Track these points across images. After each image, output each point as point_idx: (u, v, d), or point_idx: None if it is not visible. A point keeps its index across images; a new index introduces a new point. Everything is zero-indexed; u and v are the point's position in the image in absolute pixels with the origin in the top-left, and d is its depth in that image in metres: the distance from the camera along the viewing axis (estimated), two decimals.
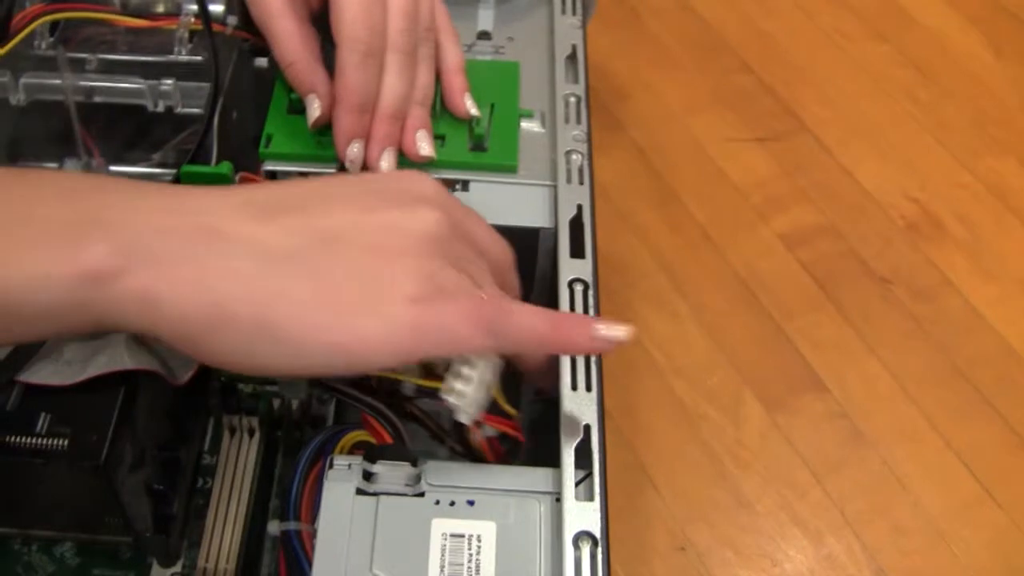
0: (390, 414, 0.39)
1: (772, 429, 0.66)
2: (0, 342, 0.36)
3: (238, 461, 0.46)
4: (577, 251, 0.43)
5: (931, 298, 0.73)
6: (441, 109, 0.46)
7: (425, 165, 0.45)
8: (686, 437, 0.65)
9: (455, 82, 0.46)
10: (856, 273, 0.74)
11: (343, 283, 0.33)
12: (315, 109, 0.43)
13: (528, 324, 0.35)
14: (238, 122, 0.49)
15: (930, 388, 0.68)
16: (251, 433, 0.47)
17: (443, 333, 0.34)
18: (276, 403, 0.47)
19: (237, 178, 0.46)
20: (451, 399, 0.35)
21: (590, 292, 0.41)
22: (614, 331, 0.36)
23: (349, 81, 0.42)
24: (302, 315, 0.32)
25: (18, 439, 0.36)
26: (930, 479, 0.64)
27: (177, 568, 0.44)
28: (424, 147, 0.44)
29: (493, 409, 0.39)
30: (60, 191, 0.33)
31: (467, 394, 0.35)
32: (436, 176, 0.46)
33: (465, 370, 0.35)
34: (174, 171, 0.44)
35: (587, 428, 0.38)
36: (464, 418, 0.36)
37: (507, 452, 0.41)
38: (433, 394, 0.38)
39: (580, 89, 0.48)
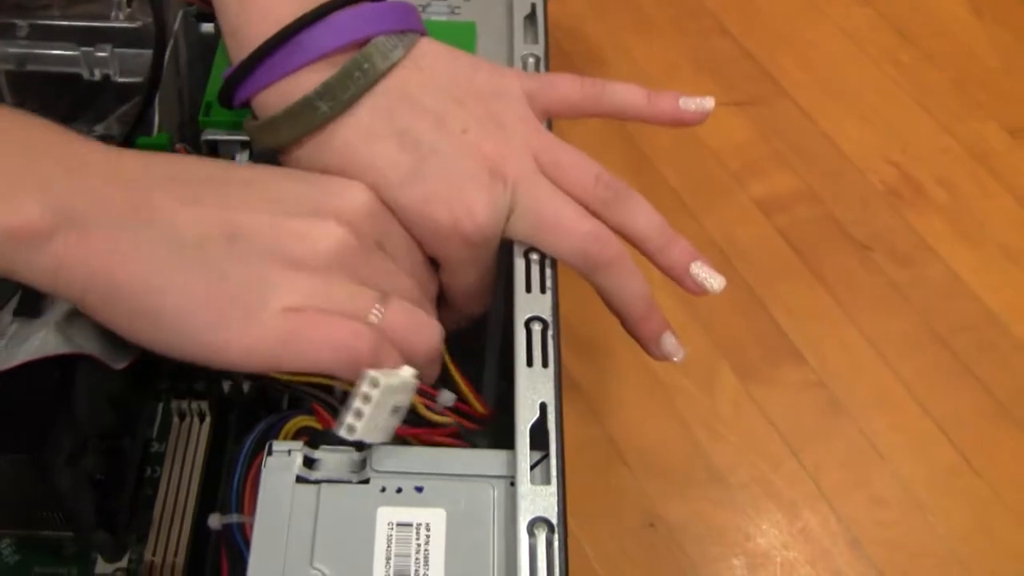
0: (336, 402, 0.38)
1: (747, 400, 0.65)
2: None
3: (188, 448, 0.44)
4: None
5: (911, 264, 0.71)
6: None
7: None
8: (658, 409, 0.64)
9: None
10: (835, 239, 0.73)
11: (231, 284, 0.34)
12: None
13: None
14: (183, 91, 0.47)
15: (909, 356, 0.67)
16: (202, 418, 0.45)
17: (302, 354, 0.34)
18: (227, 385, 0.46)
19: (177, 149, 0.44)
20: (342, 433, 0.34)
21: (547, 262, 0.40)
22: None
23: (624, 296, 0.41)
24: (186, 310, 0.34)
25: None
26: (908, 448, 0.63)
27: (123, 563, 0.42)
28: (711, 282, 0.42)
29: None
30: (11, 142, 0.33)
31: (357, 429, 0.33)
32: None
33: (358, 404, 0.34)
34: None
35: (543, 407, 0.36)
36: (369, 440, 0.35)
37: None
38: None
39: (539, 49, 0.47)
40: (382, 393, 0.33)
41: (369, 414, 0.33)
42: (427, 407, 0.37)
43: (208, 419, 0.45)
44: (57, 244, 0.32)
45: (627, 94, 0.43)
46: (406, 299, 0.37)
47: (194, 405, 0.45)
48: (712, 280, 0.41)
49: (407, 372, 0.34)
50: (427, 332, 0.37)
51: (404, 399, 0.35)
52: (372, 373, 0.33)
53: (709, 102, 0.43)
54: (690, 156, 0.77)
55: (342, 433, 0.33)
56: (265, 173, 0.38)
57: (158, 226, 0.34)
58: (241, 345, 0.34)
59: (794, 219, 0.74)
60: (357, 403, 0.33)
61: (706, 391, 0.65)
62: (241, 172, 0.38)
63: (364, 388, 0.33)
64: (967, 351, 0.67)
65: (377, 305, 0.35)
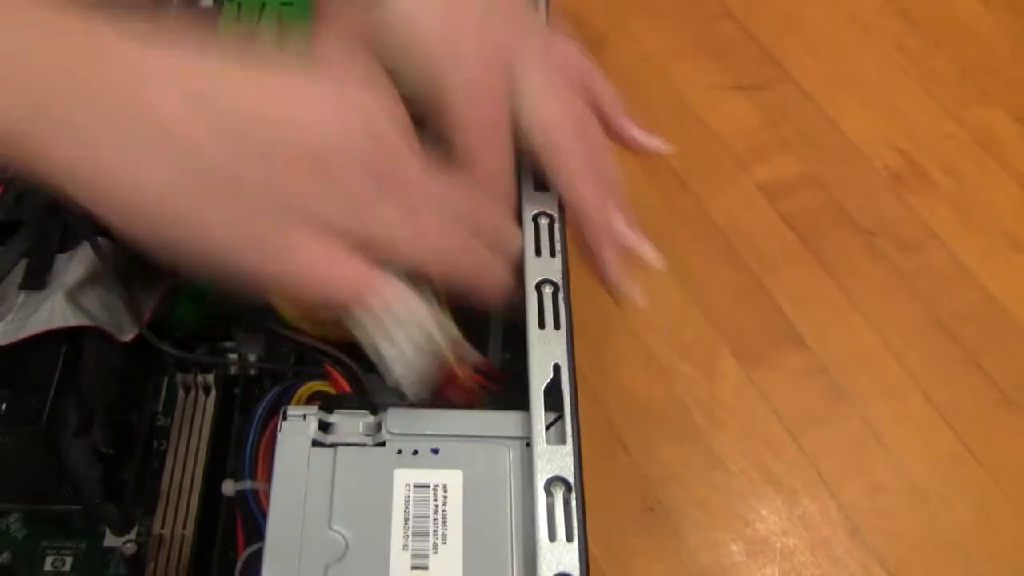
0: (351, 363, 0.37)
1: (748, 385, 0.64)
2: None
3: (194, 421, 0.44)
4: (539, 186, 0.43)
5: (916, 251, 0.71)
6: None
7: None
8: (658, 394, 0.63)
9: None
10: (839, 225, 0.72)
11: (261, 214, 0.32)
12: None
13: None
14: None
15: (913, 343, 0.67)
16: (207, 391, 0.44)
17: (279, 254, 0.32)
18: (233, 359, 0.45)
19: None
20: (394, 371, 0.33)
21: (556, 226, 0.40)
22: None
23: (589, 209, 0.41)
24: (215, 242, 0.32)
25: None
26: (911, 437, 0.63)
27: (132, 536, 0.42)
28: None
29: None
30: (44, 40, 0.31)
31: (395, 364, 0.32)
32: None
33: (395, 334, 0.32)
34: None
35: (556, 368, 0.36)
36: (410, 394, 0.34)
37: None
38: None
39: None
40: (392, 322, 0.32)
41: (398, 349, 0.32)
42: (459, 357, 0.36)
43: (213, 392, 0.44)
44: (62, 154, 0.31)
45: None
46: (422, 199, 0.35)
47: (199, 378, 0.44)
48: None
49: (414, 301, 0.33)
50: (419, 240, 0.34)
51: (424, 331, 0.33)
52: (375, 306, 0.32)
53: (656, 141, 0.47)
54: (693, 139, 0.77)
55: (395, 372, 0.32)
56: (279, 84, 0.35)
57: (178, 148, 0.32)
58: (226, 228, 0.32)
59: (798, 204, 0.73)
60: (379, 344, 0.32)
61: (706, 376, 0.65)
62: (251, 88, 0.35)
63: (376, 326, 0.32)
64: (971, 339, 0.67)
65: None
